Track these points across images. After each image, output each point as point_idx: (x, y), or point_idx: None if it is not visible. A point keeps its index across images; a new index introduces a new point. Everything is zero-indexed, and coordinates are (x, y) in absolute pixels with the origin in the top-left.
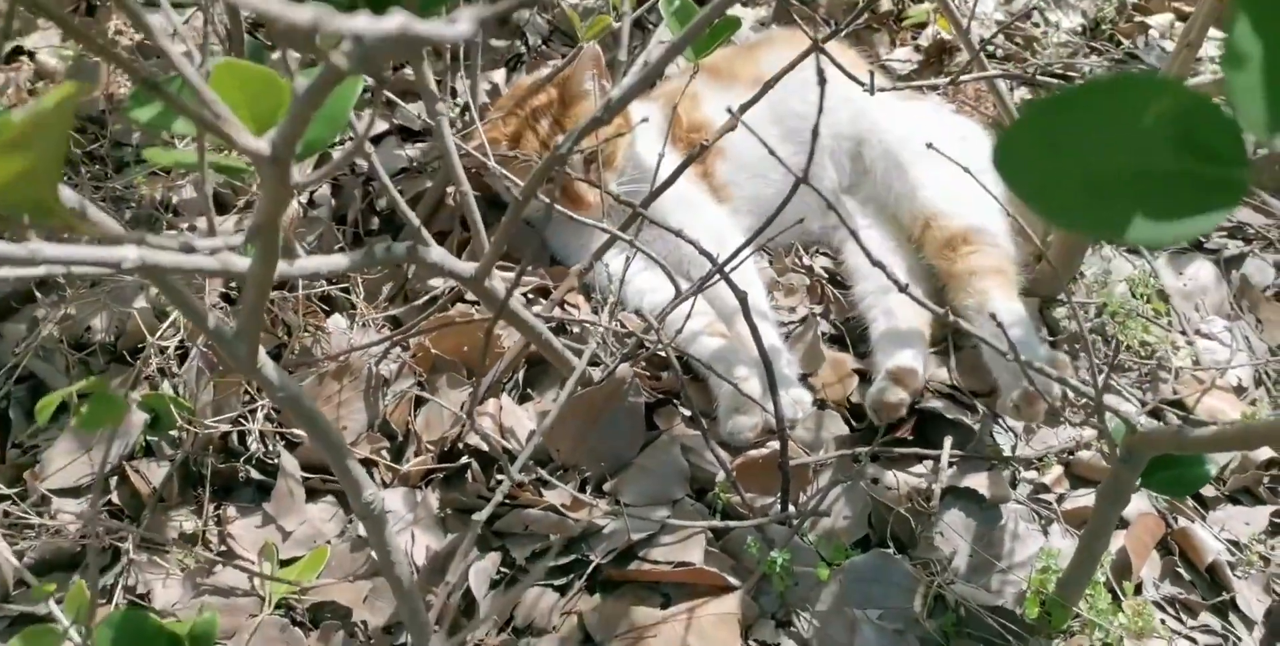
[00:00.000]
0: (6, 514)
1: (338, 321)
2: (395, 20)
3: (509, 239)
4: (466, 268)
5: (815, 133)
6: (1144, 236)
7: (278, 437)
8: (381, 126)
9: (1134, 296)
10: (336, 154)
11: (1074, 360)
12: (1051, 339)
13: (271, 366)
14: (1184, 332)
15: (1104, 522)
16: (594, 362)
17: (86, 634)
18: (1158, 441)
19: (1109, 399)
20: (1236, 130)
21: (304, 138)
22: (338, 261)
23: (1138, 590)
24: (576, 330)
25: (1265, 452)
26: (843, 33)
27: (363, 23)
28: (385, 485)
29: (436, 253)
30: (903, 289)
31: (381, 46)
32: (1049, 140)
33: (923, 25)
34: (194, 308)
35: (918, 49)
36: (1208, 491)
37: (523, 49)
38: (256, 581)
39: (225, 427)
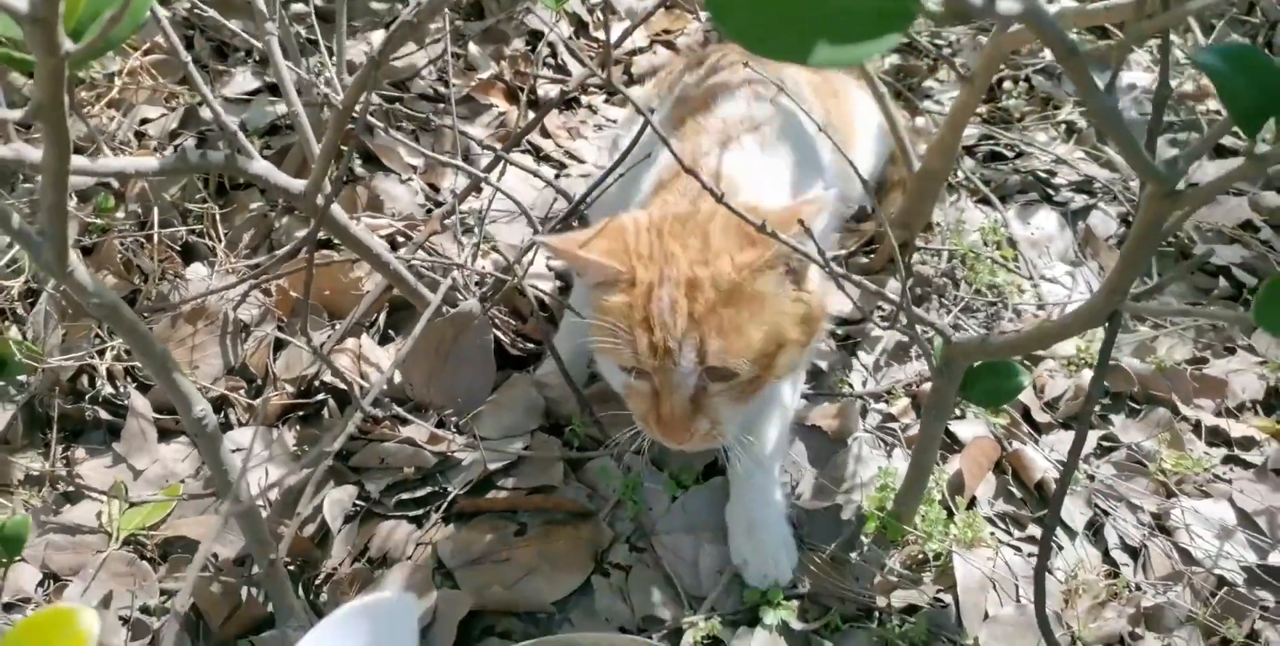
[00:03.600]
0: None
1: (197, 269)
2: None
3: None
4: (294, 183)
5: None
6: (827, 59)
7: (128, 379)
8: (254, 84)
9: (984, 244)
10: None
11: (926, 302)
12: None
13: (84, 271)
14: (1030, 277)
15: (930, 436)
16: (452, 303)
17: None
18: (968, 349)
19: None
20: None
21: (106, 35)
22: (146, 162)
23: (971, 505)
24: (440, 274)
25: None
26: None
27: None
28: (242, 424)
29: (260, 165)
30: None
31: None
32: None
33: None
34: None
35: None
36: (1041, 417)
37: (402, 10)
38: (104, 518)
39: (73, 366)
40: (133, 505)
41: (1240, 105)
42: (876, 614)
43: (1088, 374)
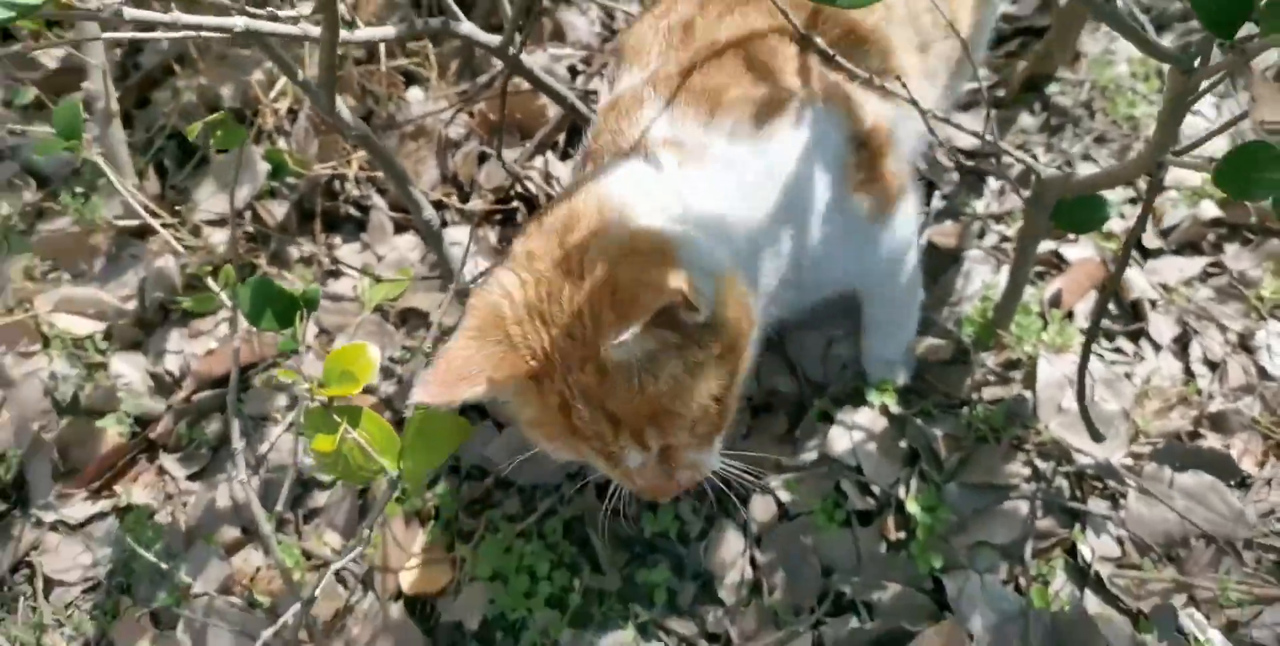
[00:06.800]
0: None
1: (415, 93)
2: None
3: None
4: (491, 38)
5: None
6: None
7: (370, 184)
8: None
9: (1132, 76)
10: None
11: (1060, 133)
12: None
13: (345, 109)
14: None
15: (1025, 255)
16: None
17: (234, 293)
18: (1053, 183)
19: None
20: None
21: None
22: (386, 31)
23: (1068, 318)
24: None
25: (1211, 210)
26: None
27: None
28: (455, 223)
29: (466, 27)
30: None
31: None
32: None
33: None
34: (286, 63)
35: None
36: (1152, 242)
37: None
38: (357, 291)
39: (328, 173)
40: (378, 281)
41: (1209, 14)
42: (966, 405)
43: (1207, 205)
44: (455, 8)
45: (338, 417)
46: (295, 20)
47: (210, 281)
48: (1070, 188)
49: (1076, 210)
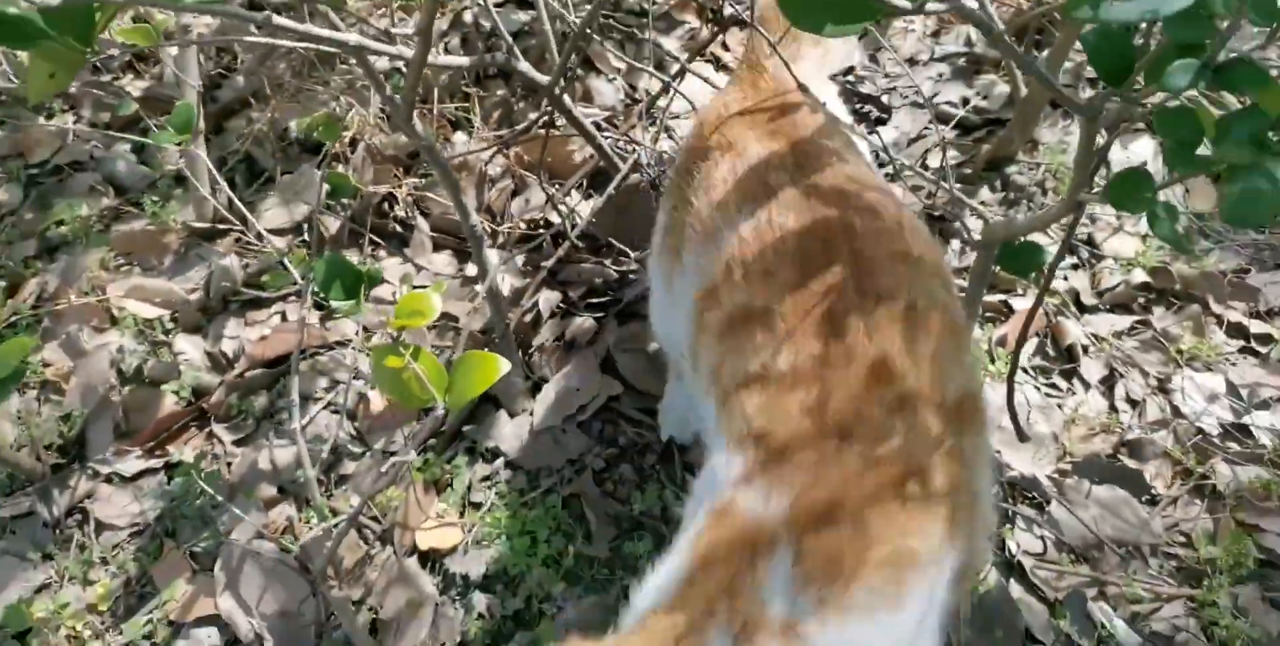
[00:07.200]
0: (238, 240)
1: (460, 137)
2: None
3: None
4: (541, 77)
5: None
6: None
7: (415, 207)
8: None
9: None
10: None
11: (1016, 206)
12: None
13: (419, 123)
14: None
15: (974, 296)
16: (636, 170)
17: (308, 268)
18: (997, 228)
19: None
20: None
21: None
22: (462, 60)
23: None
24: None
25: (1141, 277)
26: None
27: None
28: (489, 247)
29: (524, 65)
30: None
31: None
32: None
33: None
34: (377, 78)
35: None
36: (1089, 300)
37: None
38: (396, 296)
39: (380, 193)
40: (414, 288)
41: (1103, 67)
42: None
43: (1138, 273)
44: (516, 49)
45: (404, 349)
46: (393, 42)
47: (286, 264)
48: (1011, 231)
49: (1019, 254)
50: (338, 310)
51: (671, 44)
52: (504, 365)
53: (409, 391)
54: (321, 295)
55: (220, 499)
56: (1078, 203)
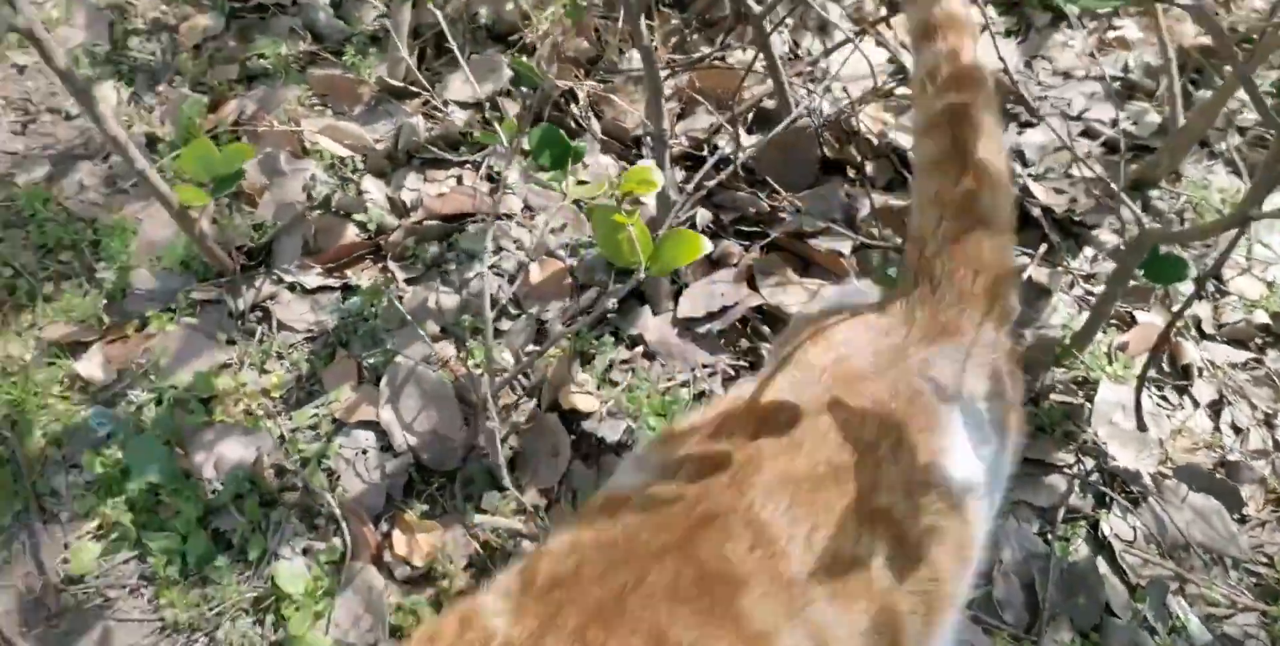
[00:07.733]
0: (426, 103)
1: (633, 54)
2: None
3: None
4: (756, 6)
5: None
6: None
7: (589, 107)
8: None
9: (1221, 201)
10: None
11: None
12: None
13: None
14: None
15: (1110, 293)
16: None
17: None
18: (1154, 234)
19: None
20: None
21: None
22: None
23: (1128, 362)
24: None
25: (1262, 318)
26: None
27: None
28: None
29: None
30: None
31: None
32: None
33: None
34: None
35: None
36: (1209, 328)
37: None
38: (566, 187)
39: (560, 89)
40: (580, 183)
41: None
42: (1034, 403)
43: (1259, 313)
44: None
45: (627, 210)
46: None
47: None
48: (1169, 238)
49: (1164, 264)
50: (540, 176)
51: (835, 10)
52: (706, 245)
53: (620, 251)
54: (530, 159)
55: (399, 320)
56: (1245, 216)
